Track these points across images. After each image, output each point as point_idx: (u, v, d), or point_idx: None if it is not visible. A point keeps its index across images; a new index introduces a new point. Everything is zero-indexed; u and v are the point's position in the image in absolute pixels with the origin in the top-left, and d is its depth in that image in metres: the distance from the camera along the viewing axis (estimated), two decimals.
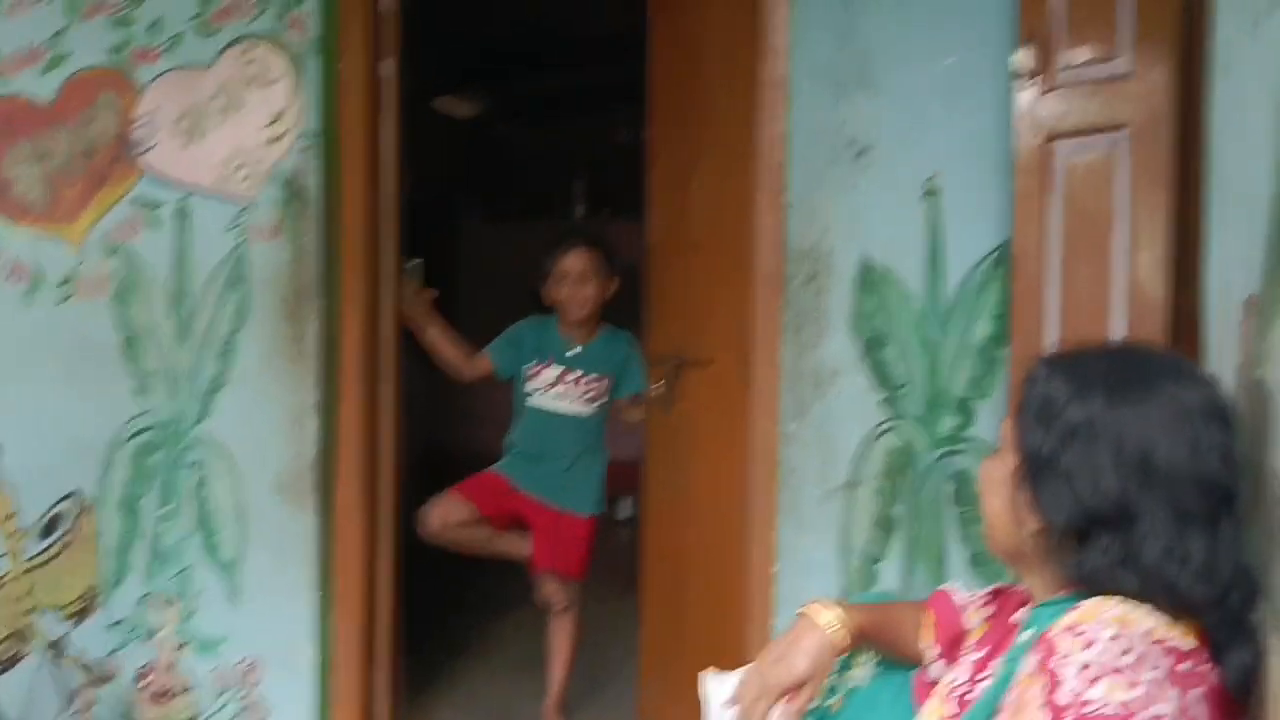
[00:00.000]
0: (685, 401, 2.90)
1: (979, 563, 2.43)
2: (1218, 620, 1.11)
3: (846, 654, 1.50)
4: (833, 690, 1.57)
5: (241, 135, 2.86)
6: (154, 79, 2.88)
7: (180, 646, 2.92)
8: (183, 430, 2.90)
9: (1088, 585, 1.16)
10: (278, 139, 2.85)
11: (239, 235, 2.86)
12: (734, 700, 1.49)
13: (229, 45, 2.85)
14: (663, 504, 3.07)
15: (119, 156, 2.90)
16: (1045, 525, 1.21)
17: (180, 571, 2.91)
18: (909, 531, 2.47)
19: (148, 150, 2.89)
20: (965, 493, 2.43)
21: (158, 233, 2.90)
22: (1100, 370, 1.20)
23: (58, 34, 2.91)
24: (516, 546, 3.34)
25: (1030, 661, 1.12)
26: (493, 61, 5.93)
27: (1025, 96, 2.12)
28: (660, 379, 2.95)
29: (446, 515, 3.22)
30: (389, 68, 2.93)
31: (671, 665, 2.96)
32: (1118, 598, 1.11)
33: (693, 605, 2.89)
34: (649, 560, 3.11)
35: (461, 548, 3.32)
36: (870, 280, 2.49)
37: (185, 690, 2.92)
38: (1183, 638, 1.10)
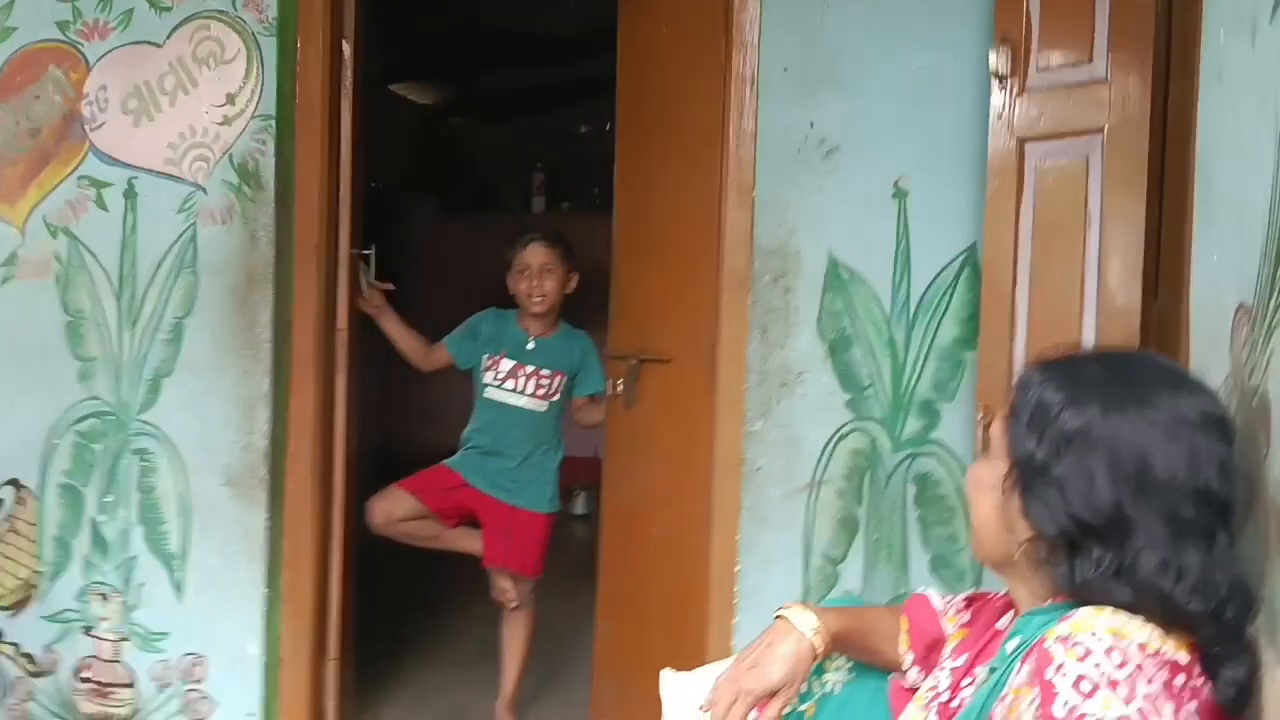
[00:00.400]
0: (646, 399, 2.87)
1: (940, 565, 2.43)
2: (1213, 634, 1.10)
3: (821, 659, 1.48)
4: (806, 696, 1.54)
5: (194, 115, 2.78)
6: (104, 55, 2.79)
7: (122, 640, 2.83)
8: (127, 419, 2.81)
9: (1079, 596, 1.14)
10: (231, 120, 2.77)
11: (189, 219, 2.78)
12: (708, 705, 1.46)
13: (183, 22, 2.76)
14: (621, 502, 3.04)
15: (65, 135, 2.80)
16: (1036, 534, 1.19)
17: (123, 564, 2.82)
18: (871, 532, 2.47)
19: (96, 129, 2.80)
20: (928, 495, 2.43)
21: (104, 214, 2.80)
22: (1096, 377, 1.18)
23: (4, 6, 2.80)
24: (467, 542, 3.29)
25: (1022, 671, 1.10)
26: (452, 56, 5.86)
27: (998, 99, 2.11)
28: (621, 376, 2.91)
29: (391, 510, 3.17)
30: (348, 51, 2.86)
31: (627, 664, 2.93)
32: (1110, 609, 1.10)
33: (650, 603, 2.86)
34: (606, 558, 3.08)
35: (410, 542, 3.26)
36: (837, 280, 2.47)
37: (127, 685, 2.83)
38: (1176, 651, 1.08)
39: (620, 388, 2.91)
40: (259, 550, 2.78)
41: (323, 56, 2.78)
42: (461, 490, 3.24)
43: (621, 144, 3.06)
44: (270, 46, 2.75)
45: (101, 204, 2.80)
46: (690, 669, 1.89)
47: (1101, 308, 1.94)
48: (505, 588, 3.26)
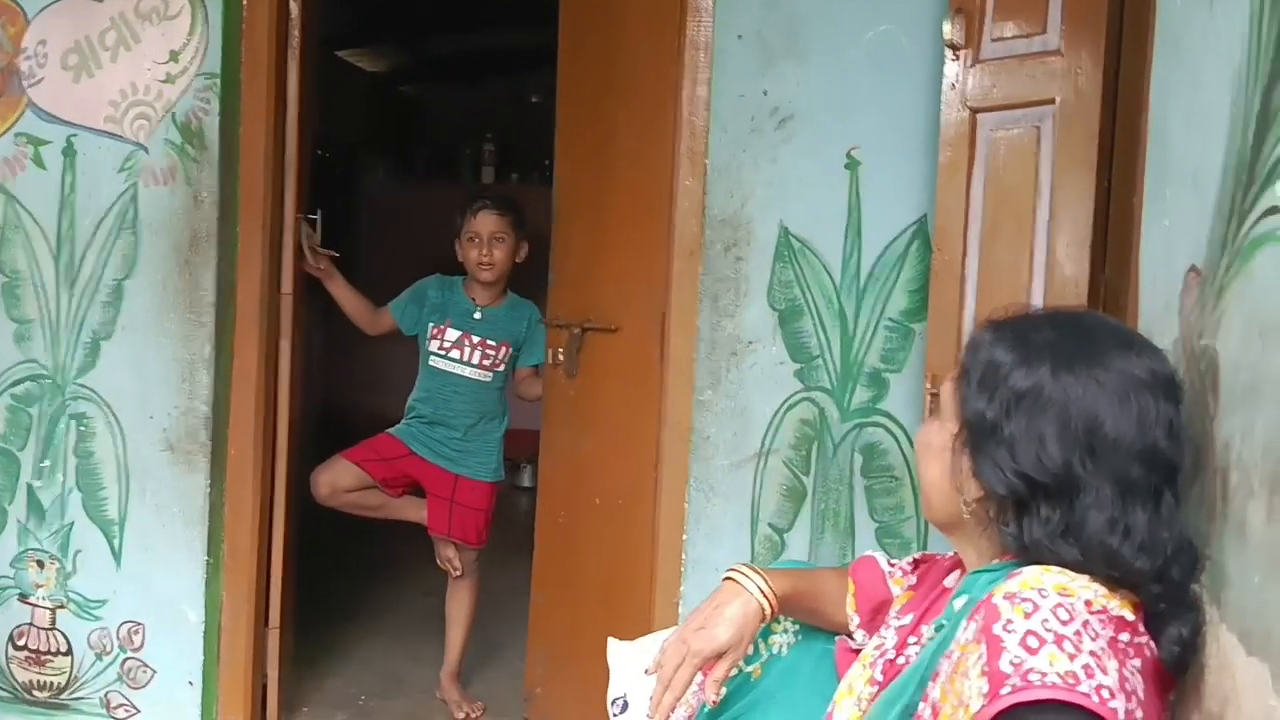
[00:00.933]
0: (589, 368, 2.84)
1: (886, 534, 2.44)
2: (1158, 592, 1.11)
3: (769, 621, 1.48)
4: (753, 658, 1.55)
5: (136, 72, 2.71)
6: (43, 9, 2.72)
7: (59, 607, 2.78)
8: (64, 382, 2.75)
9: (1027, 555, 1.15)
10: (175, 78, 2.71)
11: (130, 178, 2.72)
12: (655, 666, 1.46)
13: None
14: (560, 473, 3.01)
15: (2, 90, 2.74)
16: (985, 493, 1.19)
17: (60, 530, 2.76)
18: (818, 502, 2.47)
19: (34, 84, 2.73)
20: (875, 465, 2.44)
21: (42, 173, 2.74)
22: (1046, 338, 1.18)
23: None
24: (412, 511, 3.27)
25: (969, 628, 1.10)
26: (404, 20, 5.77)
27: (952, 69, 2.11)
28: (562, 345, 2.89)
29: (334, 480, 3.14)
30: (297, 9, 2.80)
31: (564, 633, 2.92)
32: (1057, 567, 1.10)
33: (590, 574, 2.85)
34: (543, 529, 3.05)
35: (355, 511, 3.24)
36: (788, 250, 2.47)
37: (64, 653, 2.78)
38: (1121, 608, 1.09)
39: (561, 357, 2.88)
40: (199, 516, 2.74)
41: (269, 14, 2.73)
42: (406, 459, 3.22)
43: (563, 109, 3.01)
44: (216, 3, 2.69)
45: (39, 162, 2.73)
46: (633, 638, 1.89)
47: (1050, 278, 1.95)
48: (449, 556, 3.24)
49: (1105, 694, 0.99)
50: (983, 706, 1.01)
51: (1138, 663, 1.08)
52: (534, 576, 3.08)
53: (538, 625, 3.07)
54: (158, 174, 2.71)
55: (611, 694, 1.83)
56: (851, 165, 2.44)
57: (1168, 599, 1.11)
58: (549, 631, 3.02)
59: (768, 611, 1.45)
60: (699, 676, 1.46)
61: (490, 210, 3.21)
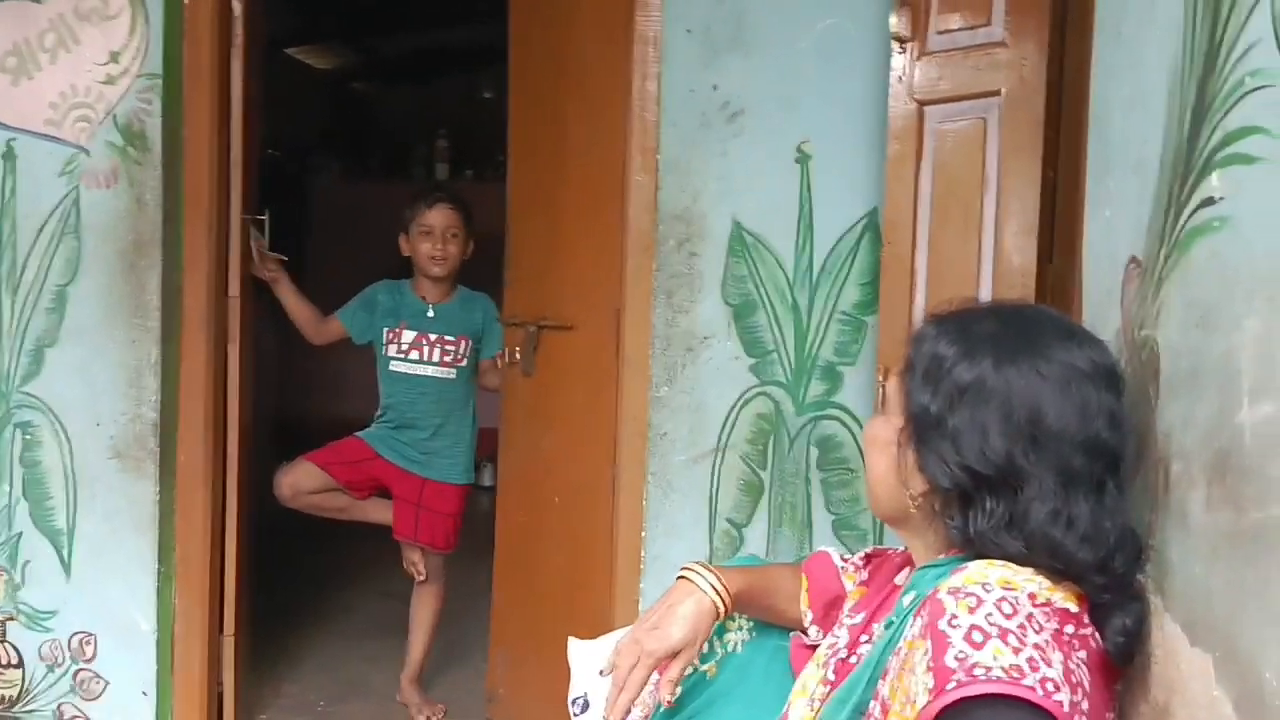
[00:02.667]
0: (546, 367, 2.83)
1: (843, 527, 2.45)
2: (1102, 583, 1.11)
3: (724, 619, 1.47)
4: (708, 656, 1.54)
5: (76, 74, 2.66)
6: None
7: (8, 620, 2.73)
8: (8, 390, 2.70)
9: (973, 548, 1.15)
10: (115, 79, 2.67)
11: (71, 181, 2.68)
12: (610, 667, 1.45)
13: None
14: (520, 472, 2.99)
15: None
16: (930, 487, 1.19)
17: (7, 541, 2.71)
18: (774, 496, 2.47)
19: None
20: (831, 458, 2.45)
21: None
22: (989, 331, 1.18)
23: None
24: (377, 513, 3.24)
25: (916, 624, 1.10)
26: (355, 16, 5.72)
27: (898, 62, 2.11)
28: (518, 344, 2.87)
29: (297, 483, 3.11)
30: (240, 7, 2.76)
31: (526, 633, 2.91)
32: (1002, 561, 1.10)
33: (550, 572, 2.84)
34: (503, 529, 3.04)
35: (318, 513, 3.20)
36: (741, 245, 2.47)
37: (14, 665, 2.73)
38: (1066, 601, 1.10)
39: (518, 356, 2.87)
40: (149, 524, 2.70)
41: (211, 13, 2.68)
42: (372, 462, 3.18)
43: (515, 106, 2.99)
44: (156, 3, 2.65)
45: None
46: (594, 637, 1.88)
47: (998, 269, 1.96)
48: (415, 560, 3.21)
49: (1050, 687, 1.00)
50: (929, 702, 1.01)
51: (1083, 654, 1.08)
52: (495, 576, 3.06)
53: (499, 626, 3.05)
54: (100, 177, 2.67)
55: (572, 693, 1.81)
56: (802, 159, 2.43)
57: (1111, 590, 1.12)
58: (510, 632, 3.00)
59: (721, 610, 1.45)
60: (655, 676, 1.45)
61: (446, 205, 3.18)
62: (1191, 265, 1.06)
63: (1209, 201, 1.02)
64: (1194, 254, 1.06)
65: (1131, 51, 1.31)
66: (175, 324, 2.71)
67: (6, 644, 2.74)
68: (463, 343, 3.20)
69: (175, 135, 2.68)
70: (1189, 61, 1.08)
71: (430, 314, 3.20)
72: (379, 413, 3.25)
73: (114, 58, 2.65)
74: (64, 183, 2.67)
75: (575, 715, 1.77)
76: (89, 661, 2.73)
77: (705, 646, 1.48)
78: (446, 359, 3.19)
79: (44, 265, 2.68)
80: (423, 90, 6.80)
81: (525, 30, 2.96)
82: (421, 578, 3.22)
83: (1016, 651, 1.01)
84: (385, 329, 3.20)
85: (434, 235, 3.16)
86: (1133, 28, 1.30)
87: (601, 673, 1.49)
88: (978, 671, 1.00)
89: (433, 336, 3.19)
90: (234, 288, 2.82)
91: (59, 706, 2.74)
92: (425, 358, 3.19)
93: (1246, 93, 0.96)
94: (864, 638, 1.32)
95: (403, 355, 3.19)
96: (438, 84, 6.67)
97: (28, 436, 2.70)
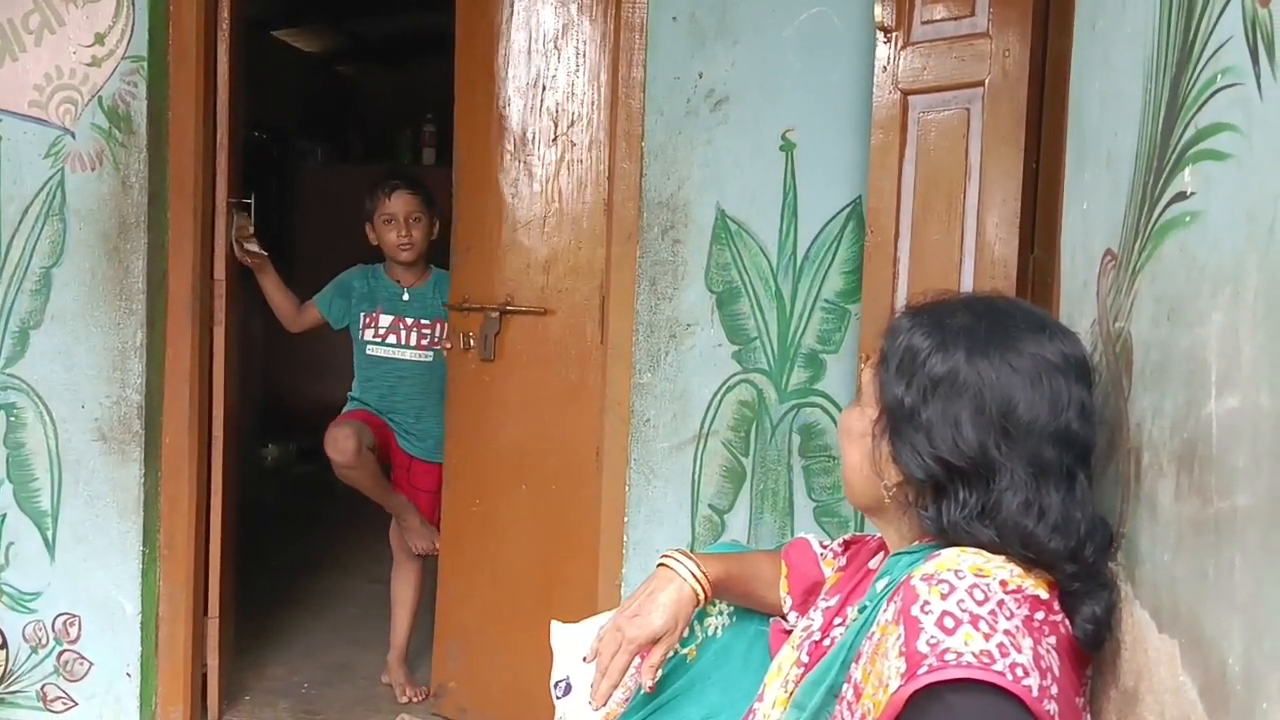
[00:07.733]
0: (512, 353, 2.80)
1: (824, 514, 2.47)
2: (1072, 572, 1.13)
3: (704, 605, 1.49)
4: (688, 641, 1.56)
5: (60, 56, 2.65)
6: None
7: None
8: None
9: (946, 537, 1.16)
10: (100, 61, 2.66)
11: (56, 164, 2.67)
12: (592, 655, 1.47)
13: None
14: (475, 460, 2.90)
15: None
16: (904, 477, 1.21)
17: None
18: (757, 483, 2.49)
19: None
20: (813, 445, 2.46)
21: None
22: (963, 323, 1.20)
23: None
24: (401, 508, 3.23)
25: (889, 609, 1.12)
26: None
27: (883, 51, 2.12)
28: (473, 329, 2.82)
29: (360, 434, 3.04)
30: None
31: (486, 623, 2.86)
32: (974, 549, 1.12)
33: (517, 561, 2.80)
34: (453, 518, 2.97)
35: (365, 480, 3.12)
36: (725, 233, 2.48)
37: None
38: (1036, 588, 1.11)
39: (472, 341, 2.83)
40: (134, 506, 2.70)
41: None
42: (382, 428, 3.20)
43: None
44: None
45: None
46: (573, 621, 1.89)
47: (980, 259, 1.98)
48: (414, 526, 3.20)
49: (1019, 672, 1.01)
50: (900, 686, 1.03)
51: (1053, 640, 1.10)
52: (441, 567, 3.00)
53: (446, 618, 2.99)
54: (85, 159, 2.66)
55: (554, 676, 1.83)
56: (787, 147, 2.44)
57: (1082, 578, 1.14)
58: (460, 623, 2.93)
59: (701, 596, 1.47)
60: (636, 661, 1.47)
61: (404, 190, 3.20)
62: (1163, 259, 1.08)
63: (1181, 196, 1.04)
64: (1165, 248, 1.07)
65: (1106, 46, 1.32)
66: (160, 307, 2.71)
67: None
68: (438, 325, 3.20)
69: (160, 118, 2.68)
70: (1163, 58, 1.10)
71: (405, 297, 3.23)
72: (350, 398, 3.25)
73: (99, 39, 2.65)
74: (48, 165, 2.66)
75: (558, 698, 1.79)
76: (73, 643, 2.74)
77: (686, 631, 1.50)
78: (424, 342, 3.21)
79: (28, 248, 2.68)
80: (408, 73, 6.76)
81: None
82: (434, 550, 3.19)
83: (987, 637, 1.03)
84: (362, 314, 3.23)
85: (397, 222, 3.18)
86: (1107, 23, 1.32)
87: (585, 659, 1.50)
88: (949, 656, 1.02)
89: (409, 320, 3.21)
90: (219, 271, 2.82)
91: (43, 687, 2.75)
92: (402, 341, 3.21)
93: (1218, 90, 0.97)
94: (837, 621, 1.34)
95: (380, 339, 3.21)
96: (424, 67, 6.62)
97: (12, 419, 2.70)
